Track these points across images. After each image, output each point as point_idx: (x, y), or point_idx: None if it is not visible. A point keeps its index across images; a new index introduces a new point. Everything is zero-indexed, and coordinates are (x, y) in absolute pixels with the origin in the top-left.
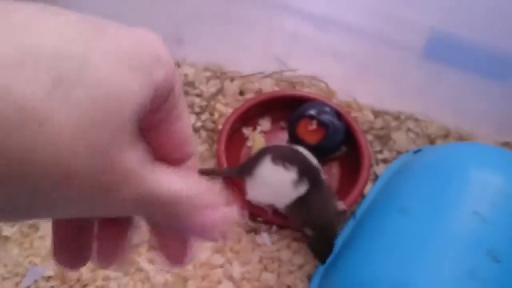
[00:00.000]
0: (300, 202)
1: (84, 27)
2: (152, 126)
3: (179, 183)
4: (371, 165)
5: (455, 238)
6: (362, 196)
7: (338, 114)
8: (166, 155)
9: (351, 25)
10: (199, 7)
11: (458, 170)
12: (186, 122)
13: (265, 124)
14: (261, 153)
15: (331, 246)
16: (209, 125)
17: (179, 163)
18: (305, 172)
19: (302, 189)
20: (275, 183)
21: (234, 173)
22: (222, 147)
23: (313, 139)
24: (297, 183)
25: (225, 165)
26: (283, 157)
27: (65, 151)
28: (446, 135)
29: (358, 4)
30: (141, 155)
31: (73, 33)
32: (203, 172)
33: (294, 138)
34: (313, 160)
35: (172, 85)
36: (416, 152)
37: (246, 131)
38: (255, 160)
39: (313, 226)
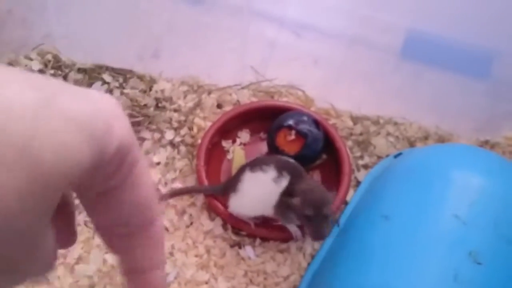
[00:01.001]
0: (286, 195)
1: (36, 96)
2: (103, 193)
3: None
4: (352, 172)
5: (438, 242)
6: (344, 203)
7: (316, 123)
8: (123, 221)
9: (327, 30)
10: (174, 20)
11: (438, 173)
12: (144, 187)
13: (244, 136)
14: (241, 169)
15: (329, 221)
16: (188, 139)
17: (140, 229)
18: (282, 166)
19: (284, 181)
20: (259, 190)
21: (218, 191)
22: (202, 162)
23: (292, 149)
24: (277, 178)
25: (205, 180)
26: (259, 162)
27: None
28: (426, 137)
29: (333, 9)
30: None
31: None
32: (186, 191)
33: (274, 149)
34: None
35: (124, 154)
36: (396, 156)
37: (226, 144)
38: (236, 177)
39: (308, 208)
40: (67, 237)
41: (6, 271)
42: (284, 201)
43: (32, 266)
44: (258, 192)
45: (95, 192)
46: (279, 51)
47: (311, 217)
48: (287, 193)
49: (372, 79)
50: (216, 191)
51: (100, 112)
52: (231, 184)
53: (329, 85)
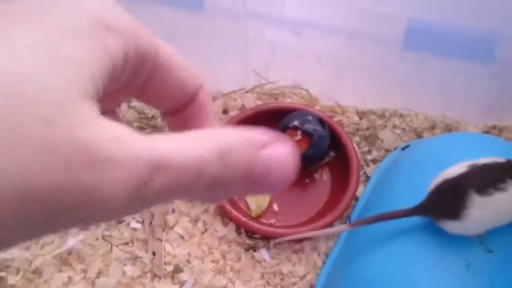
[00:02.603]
0: None
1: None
2: (147, 79)
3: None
4: (360, 167)
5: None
6: (355, 199)
7: (321, 121)
8: (177, 98)
9: (327, 26)
10: (175, 29)
11: (445, 163)
12: (179, 61)
13: None
14: (456, 190)
15: None
16: None
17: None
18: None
19: None
20: (498, 211)
21: (417, 213)
22: None
23: (299, 149)
24: None
25: None
26: (487, 180)
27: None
28: (432, 127)
29: (331, 4)
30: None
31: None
32: (378, 218)
33: None
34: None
35: (139, 45)
36: (404, 148)
37: None
38: (453, 201)
39: None
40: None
41: None
42: None
43: None
44: (496, 213)
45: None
46: (280, 52)
47: None
48: None
49: (375, 72)
50: (411, 214)
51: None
52: (445, 212)
53: (332, 82)
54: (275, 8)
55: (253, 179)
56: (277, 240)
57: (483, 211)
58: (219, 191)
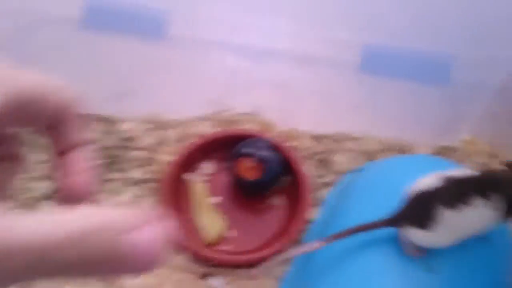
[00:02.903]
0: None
1: None
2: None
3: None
4: (311, 192)
5: (395, 258)
6: (308, 223)
7: (274, 147)
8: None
9: (286, 53)
10: (135, 60)
11: (396, 184)
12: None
13: (208, 167)
14: (426, 202)
15: None
16: (155, 177)
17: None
18: (484, 188)
19: (497, 202)
20: (466, 225)
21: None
22: (165, 199)
23: (252, 175)
24: (487, 204)
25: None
26: (454, 196)
27: None
28: (387, 149)
29: (289, 31)
30: None
31: None
32: (350, 232)
33: (235, 177)
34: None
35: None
36: (357, 171)
37: (191, 177)
38: (423, 213)
39: None
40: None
41: None
42: None
43: None
44: (464, 226)
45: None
46: (240, 79)
47: None
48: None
49: (332, 96)
50: (381, 226)
51: None
52: (416, 221)
53: (290, 108)
54: (237, 37)
55: (116, 264)
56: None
57: (451, 224)
58: (82, 272)
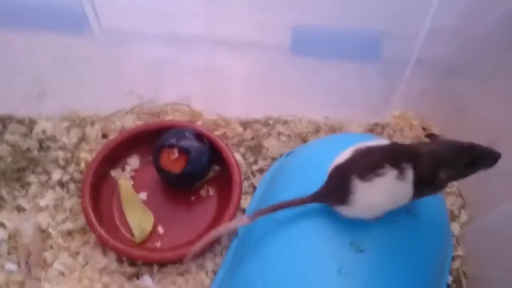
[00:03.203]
0: (423, 179)
1: None
2: None
3: None
4: (242, 180)
5: (319, 237)
6: (242, 211)
7: (199, 136)
8: None
9: (213, 39)
10: (56, 57)
11: (327, 165)
12: None
13: (133, 162)
14: (343, 177)
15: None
16: (77, 176)
17: None
18: (395, 158)
19: (409, 173)
20: (382, 195)
21: (312, 200)
22: (87, 199)
23: (177, 167)
24: (400, 175)
25: (93, 218)
26: (365, 167)
27: None
28: (317, 130)
29: (216, 17)
30: None
31: None
32: (271, 209)
33: (159, 171)
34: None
35: None
36: (288, 154)
37: (116, 173)
38: (340, 187)
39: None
40: None
41: None
42: (431, 185)
43: None
44: (381, 197)
45: None
46: (165, 69)
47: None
48: (424, 177)
49: (262, 81)
50: (308, 201)
51: None
52: (336, 197)
53: (218, 95)
54: (160, 25)
55: None
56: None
57: (366, 196)
58: None
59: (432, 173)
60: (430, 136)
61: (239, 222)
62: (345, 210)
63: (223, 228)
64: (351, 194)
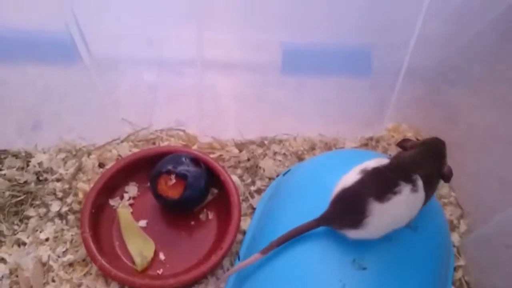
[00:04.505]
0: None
1: None
2: None
3: None
4: (241, 201)
5: (323, 256)
6: (242, 233)
7: (196, 160)
8: None
9: (205, 62)
10: (49, 88)
11: (324, 182)
12: None
13: (132, 189)
14: (357, 199)
15: None
16: (76, 207)
17: None
18: (406, 172)
19: (419, 182)
20: (398, 212)
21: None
22: (86, 229)
23: (176, 193)
24: (413, 188)
25: (93, 249)
26: (383, 187)
27: None
28: (312, 148)
29: (204, 38)
30: None
31: None
32: (288, 236)
33: (158, 197)
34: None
35: None
36: (285, 173)
37: (114, 202)
38: (354, 210)
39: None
40: None
41: None
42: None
43: None
44: (399, 214)
45: None
46: (158, 94)
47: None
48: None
49: (255, 102)
50: (315, 226)
51: None
52: (346, 221)
53: (211, 118)
54: (147, 50)
55: None
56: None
57: (384, 216)
58: None
59: (438, 169)
60: (404, 142)
61: (254, 259)
62: (354, 233)
63: (238, 268)
64: (366, 218)
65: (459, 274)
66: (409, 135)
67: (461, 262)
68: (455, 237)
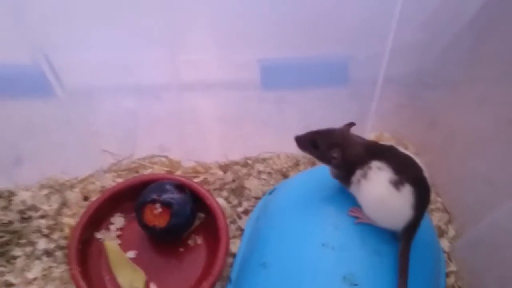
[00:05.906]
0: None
1: None
2: None
3: None
4: (228, 224)
5: (313, 275)
6: (232, 256)
7: (180, 187)
8: None
9: (185, 86)
10: (30, 124)
11: (310, 199)
12: None
13: (118, 220)
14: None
15: None
16: (63, 243)
17: None
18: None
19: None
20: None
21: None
22: (74, 266)
23: (162, 222)
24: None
25: (83, 286)
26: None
27: None
28: (296, 164)
29: (178, 60)
30: None
31: None
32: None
33: (144, 227)
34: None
35: None
36: (271, 192)
37: (101, 235)
38: None
39: None
40: None
41: None
42: None
43: None
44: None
45: None
46: (137, 121)
47: None
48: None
49: (236, 121)
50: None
51: None
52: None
53: (193, 141)
54: (123, 77)
55: None
56: None
57: None
58: None
59: None
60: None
61: None
62: None
63: None
64: None
65: (451, 280)
66: (392, 143)
67: (453, 267)
68: (444, 243)
